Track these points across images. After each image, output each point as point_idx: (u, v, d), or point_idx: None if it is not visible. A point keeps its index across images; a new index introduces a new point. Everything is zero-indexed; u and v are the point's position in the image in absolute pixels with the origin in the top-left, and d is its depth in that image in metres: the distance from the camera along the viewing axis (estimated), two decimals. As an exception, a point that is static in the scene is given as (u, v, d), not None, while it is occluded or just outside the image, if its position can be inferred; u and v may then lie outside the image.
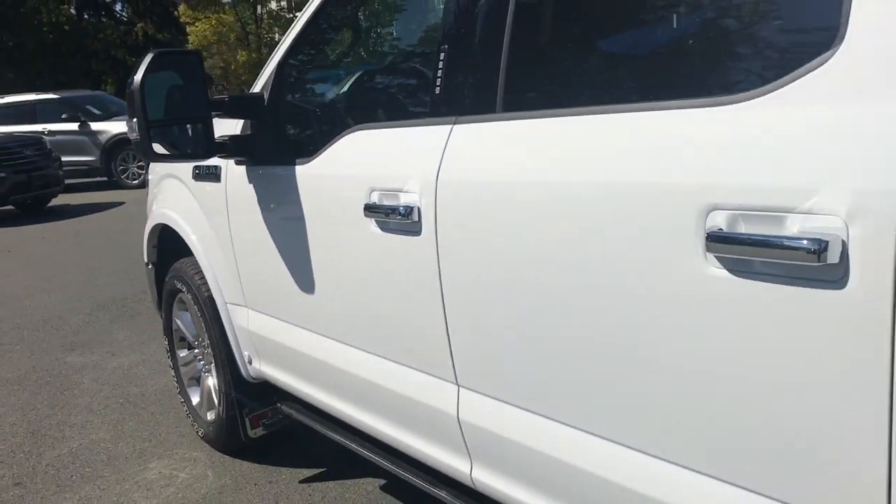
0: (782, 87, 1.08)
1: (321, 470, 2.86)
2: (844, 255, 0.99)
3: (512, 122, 1.53)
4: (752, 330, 1.11)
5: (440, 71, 1.71)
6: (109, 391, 3.85)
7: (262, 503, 2.67)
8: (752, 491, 1.17)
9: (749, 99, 1.12)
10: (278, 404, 2.72)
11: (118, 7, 35.05)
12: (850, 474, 1.04)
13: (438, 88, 1.72)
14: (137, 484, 2.87)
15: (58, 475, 2.99)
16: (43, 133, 12.86)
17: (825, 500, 1.08)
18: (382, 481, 2.73)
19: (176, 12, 36.33)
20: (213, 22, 37.51)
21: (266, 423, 2.84)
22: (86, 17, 32.60)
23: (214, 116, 2.24)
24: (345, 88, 2.35)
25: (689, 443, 1.26)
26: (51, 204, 11.75)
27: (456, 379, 1.72)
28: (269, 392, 2.74)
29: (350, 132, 1.97)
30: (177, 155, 2.19)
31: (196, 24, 37.97)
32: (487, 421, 1.66)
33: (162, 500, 2.74)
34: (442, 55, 1.71)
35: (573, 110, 1.41)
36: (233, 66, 33.54)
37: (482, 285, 1.58)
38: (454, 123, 1.65)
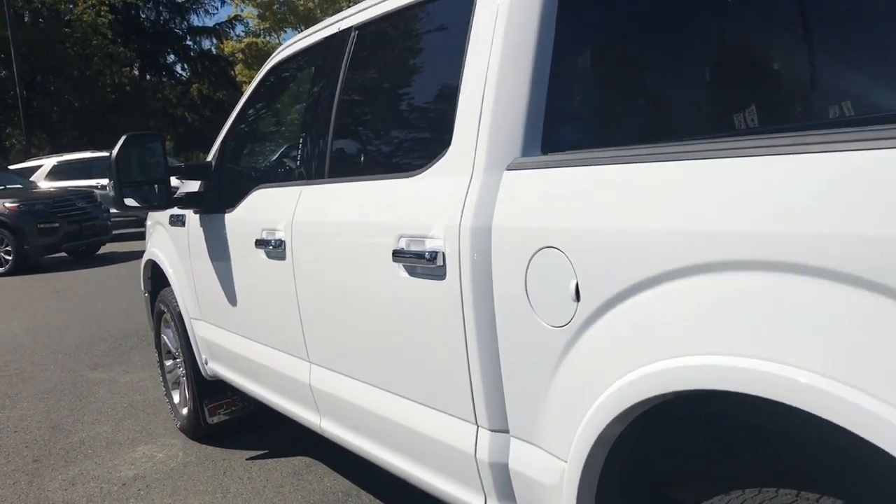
0: (425, 169, 1.91)
1: (264, 451, 3.66)
2: (444, 260, 1.78)
3: (330, 184, 2.37)
4: (416, 306, 1.90)
5: (300, 150, 2.57)
6: (118, 399, 4.73)
7: (214, 473, 3.47)
8: (418, 402, 1.96)
9: (413, 175, 1.95)
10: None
11: (178, 67, 37.36)
12: (455, 382, 1.81)
13: (298, 161, 2.58)
14: (125, 461, 3.70)
15: (67, 455, 3.85)
16: (96, 187, 14.15)
17: (443, 399, 1.86)
18: (307, 458, 3.51)
19: (233, 72, 38.45)
20: (268, 81, 39.22)
21: (221, 413, 3.66)
22: (147, 77, 34.82)
23: (180, 179, 3.12)
24: (258, 159, 3.24)
25: (393, 377, 2.05)
26: (100, 252, 12.93)
27: (308, 357, 2.53)
28: (223, 388, 3.57)
29: (255, 189, 2.83)
30: (144, 207, 3.07)
31: (251, 83, 39.86)
32: (326, 385, 2.45)
33: (141, 470, 3.56)
34: (301, 140, 2.58)
35: (352, 178, 2.25)
36: (285, 123, 34.98)
37: (315, 292, 2.40)
38: (304, 185, 2.49)
